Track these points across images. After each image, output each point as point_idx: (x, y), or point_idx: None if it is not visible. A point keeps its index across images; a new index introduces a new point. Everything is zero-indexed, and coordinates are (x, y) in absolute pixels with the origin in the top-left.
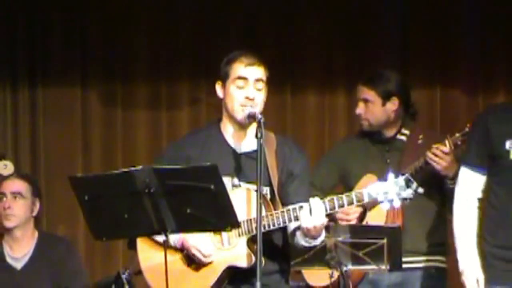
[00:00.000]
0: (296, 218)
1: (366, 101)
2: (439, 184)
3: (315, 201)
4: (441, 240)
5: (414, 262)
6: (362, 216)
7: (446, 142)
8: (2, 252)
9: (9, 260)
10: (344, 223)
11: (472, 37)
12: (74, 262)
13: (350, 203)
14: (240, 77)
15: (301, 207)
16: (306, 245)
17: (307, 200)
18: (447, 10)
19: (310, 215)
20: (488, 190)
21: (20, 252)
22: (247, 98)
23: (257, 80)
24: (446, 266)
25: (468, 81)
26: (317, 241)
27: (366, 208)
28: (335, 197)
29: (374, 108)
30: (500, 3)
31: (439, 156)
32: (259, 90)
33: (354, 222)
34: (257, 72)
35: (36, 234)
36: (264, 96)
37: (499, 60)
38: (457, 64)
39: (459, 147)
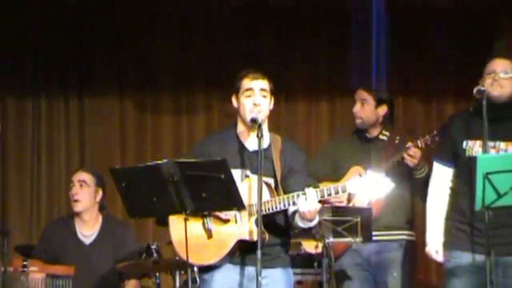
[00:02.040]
0: (294, 203)
1: (363, 102)
2: (408, 175)
3: (310, 191)
4: (409, 218)
5: (389, 235)
6: (349, 198)
7: (419, 142)
8: (75, 229)
9: (80, 236)
10: (336, 203)
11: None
12: (131, 241)
13: (337, 192)
14: (248, 89)
15: (298, 195)
16: (303, 226)
17: (310, 182)
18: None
19: (305, 202)
20: (454, 183)
21: (88, 231)
22: (254, 104)
23: (262, 89)
24: (414, 239)
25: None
26: (312, 224)
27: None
28: (325, 188)
29: (368, 108)
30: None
31: (413, 156)
32: (264, 97)
33: (344, 203)
34: (261, 83)
35: (100, 217)
36: (270, 103)
37: (451, 73)
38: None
39: (429, 146)
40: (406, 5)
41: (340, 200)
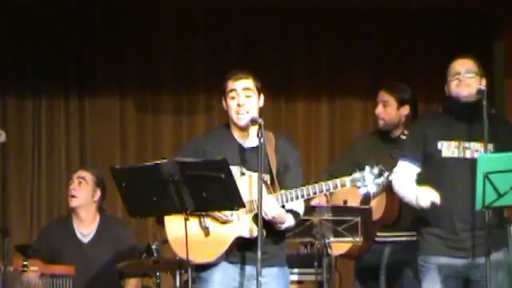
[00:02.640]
0: (296, 198)
1: (385, 103)
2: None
3: (268, 198)
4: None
5: (411, 237)
6: (366, 201)
7: None
8: (73, 227)
9: (78, 235)
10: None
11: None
12: (130, 239)
13: (335, 187)
14: (231, 90)
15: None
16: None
17: (300, 183)
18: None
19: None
20: (421, 181)
21: (86, 229)
22: (238, 105)
23: (245, 89)
24: None
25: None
26: (283, 227)
27: (368, 197)
28: (323, 183)
29: (390, 110)
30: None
31: None
32: (248, 96)
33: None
34: (243, 83)
35: (98, 216)
36: (257, 101)
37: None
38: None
39: None
40: (406, 6)
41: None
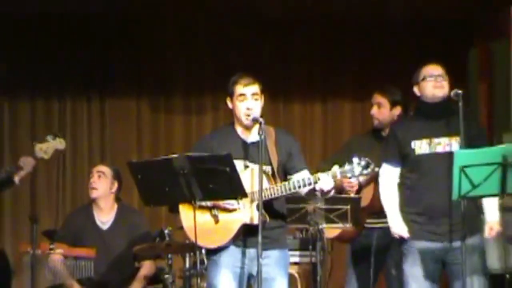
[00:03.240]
0: (305, 186)
1: (379, 105)
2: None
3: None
4: None
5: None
6: (358, 191)
7: None
8: (93, 215)
9: (97, 222)
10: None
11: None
12: (144, 225)
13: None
14: (241, 94)
15: (310, 182)
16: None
17: (304, 168)
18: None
19: (325, 182)
20: (402, 178)
21: (105, 217)
22: (247, 108)
23: (253, 94)
24: None
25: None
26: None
27: (362, 186)
28: (317, 175)
29: (384, 110)
30: None
31: None
32: (256, 100)
33: (354, 193)
34: (252, 88)
35: (116, 205)
36: (261, 102)
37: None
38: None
39: None
40: (390, 18)
41: (352, 190)
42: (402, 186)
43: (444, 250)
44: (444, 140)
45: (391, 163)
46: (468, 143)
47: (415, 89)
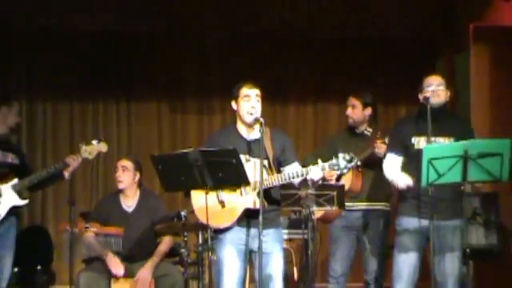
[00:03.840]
0: (298, 176)
1: (353, 106)
2: (380, 162)
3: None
4: (387, 194)
5: (371, 205)
6: (338, 178)
7: (386, 138)
8: (120, 201)
9: (123, 206)
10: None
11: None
12: (163, 208)
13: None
14: (246, 95)
15: (307, 172)
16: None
17: (294, 161)
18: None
19: (315, 174)
20: (403, 167)
21: (130, 202)
22: (252, 107)
23: (256, 95)
24: (389, 209)
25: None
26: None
27: (340, 175)
28: (311, 167)
29: (357, 111)
30: None
31: (379, 149)
32: (258, 101)
33: (333, 181)
34: (255, 91)
35: (139, 191)
36: (260, 104)
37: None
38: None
39: None
40: (369, 36)
41: (331, 178)
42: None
43: (429, 228)
44: (439, 139)
45: (395, 153)
46: (459, 140)
47: (419, 95)
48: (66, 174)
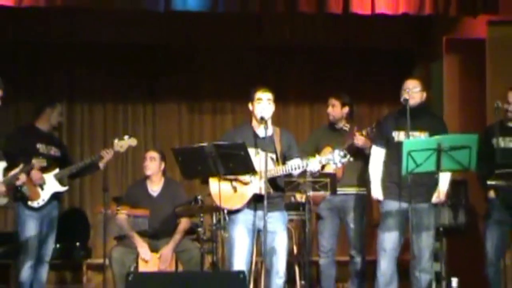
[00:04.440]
0: (299, 168)
1: (333, 105)
2: (360, 153)
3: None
4: (363, 180)
5: (351, 190)
6: (322, 168)
7: (363, 131)
8: (146, 186)
9: (150, 191)
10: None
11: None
12: (183, 193)
13: (319, 163)
14: (259, 98)
15: (306, 164)
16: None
17: (297, 156)
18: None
19: (314, 165)
20: (386, 157)
21: (155, 188)
22: (263, 109)
23: (268, 99)
24: (366, 193)
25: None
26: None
27: (324, 165)
28: (309, 160)
29: (336, 109)
30: None
31: (358, 140)
32: (269, 104)
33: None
34: (267, 95)
35: (163, 179)
36: (273, 106)
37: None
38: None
39: (369, 135)
40: (356, 46)
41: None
42: (384, 163)
43: (407, 210)
44: (415, 133)
45: (379, 145)
46: (433, 134)
47: (401, 95)
48: (101, 165)
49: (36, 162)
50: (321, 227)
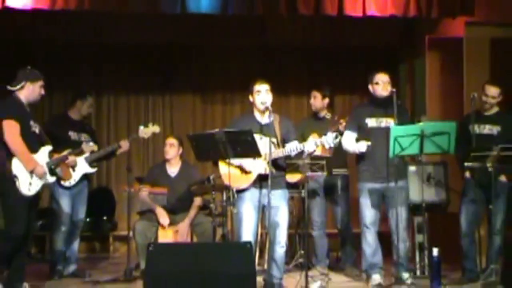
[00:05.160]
0: (296, 149)
1: (315, 97)
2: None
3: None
4: (345, 162)
5: (336, 171)
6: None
7: (347, 118)
8: (166, 168)
9: (168, 172)
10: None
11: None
12: (197, 173)
13: (315, 145)
14: (258, 91)
15: (303, 146)
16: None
17: (295, 139)
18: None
19: (311, 147)
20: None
21: (173, 169)
22: (262, 99)
23: (266, 90)
24: (348, 174)
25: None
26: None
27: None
28: (307, 143)
29: (318, 100)
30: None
31: (343, 126)
32: (267, 94)
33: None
34: (265, 86)
35: (180, 161)
36: (271, 95)
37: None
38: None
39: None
40: (347, 44)
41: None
42: None
43: (383, 188)
44: (386, 120)
45: (352, 130)
46: (400, 122)
47: (370, 87)
48: (118, 153)
49: (86, 147)
50: (312, 204)
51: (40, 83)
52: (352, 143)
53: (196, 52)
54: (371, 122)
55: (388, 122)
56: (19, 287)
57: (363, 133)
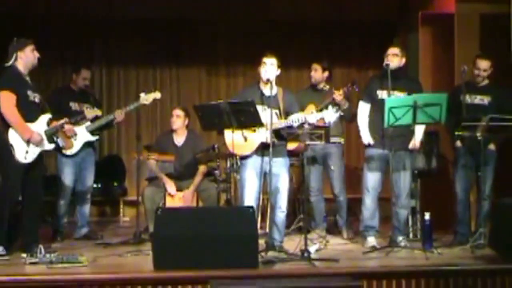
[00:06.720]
0: (298, 120)
1: (315, 70)
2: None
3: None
4: (341, 131)
5: (333, 140)
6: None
7: (341, 90)
8: (172, 137)
9: (175, 141)
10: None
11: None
12: (202, 142)
13: (315, 117)
14: (263, 63)
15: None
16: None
17: (296, 111)
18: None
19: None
20: (370, 112)
21: (180, 138)
22: (266, 71)
23: (271, 63)
24: (343, 143)
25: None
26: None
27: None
28: (310, 115)
29: (319, 73)
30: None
31: (338, 96)
32: (272, 67)
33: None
34: (270, 60)
35: (186, 131)
36: (276, 70)
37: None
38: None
39: (346, 93)
40: (345, 19)
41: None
42: (369, 117)
43: (388, 155)
44: (396, 93)
45: (364, 101)
46: (411, 94)
47: (385, 60)
48: (114, 122)
49: (88, 112)
50: (308, 171)
51: (30, 47)
52: (363, 123)
53: (202, 27)
54: (381, 94)
55: (396, 94)
56: (34, 248)
57: (374, 104)
